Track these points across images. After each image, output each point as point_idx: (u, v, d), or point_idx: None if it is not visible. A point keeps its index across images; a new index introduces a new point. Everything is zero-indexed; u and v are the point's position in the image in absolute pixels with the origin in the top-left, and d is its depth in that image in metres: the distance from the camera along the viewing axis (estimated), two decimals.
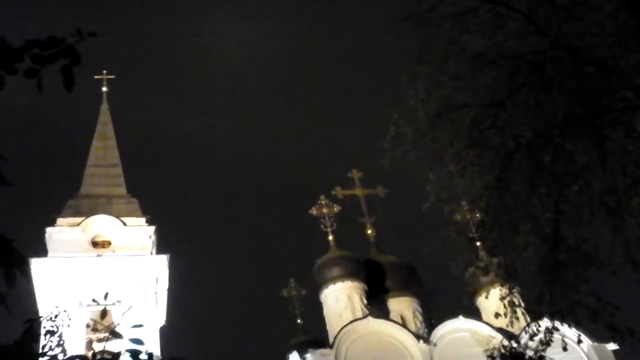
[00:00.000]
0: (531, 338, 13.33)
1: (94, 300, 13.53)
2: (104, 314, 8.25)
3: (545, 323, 12.60)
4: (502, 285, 12.97)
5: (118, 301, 27.74)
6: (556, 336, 12.51)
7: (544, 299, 11.28)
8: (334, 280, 35.47)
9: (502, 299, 12.96)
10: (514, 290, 12.82)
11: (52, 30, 5.20)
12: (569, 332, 13.45)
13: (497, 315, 13.40)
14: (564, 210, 10.98)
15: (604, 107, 10.56)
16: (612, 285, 11.06)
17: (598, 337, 30.05)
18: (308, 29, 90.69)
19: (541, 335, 12.72)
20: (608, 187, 10.60)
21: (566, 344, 12.18)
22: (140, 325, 7.31)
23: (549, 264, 11.13)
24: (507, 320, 12.86)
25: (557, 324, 12.16)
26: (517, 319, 12.94)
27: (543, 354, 13.66)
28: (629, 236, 10.56)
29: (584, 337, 29.90)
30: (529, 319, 16.80)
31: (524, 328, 23.53)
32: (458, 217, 12.47)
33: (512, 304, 12.70)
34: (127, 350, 6.27)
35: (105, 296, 10.69)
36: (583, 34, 10.67)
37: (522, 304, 13.47)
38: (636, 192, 10.47)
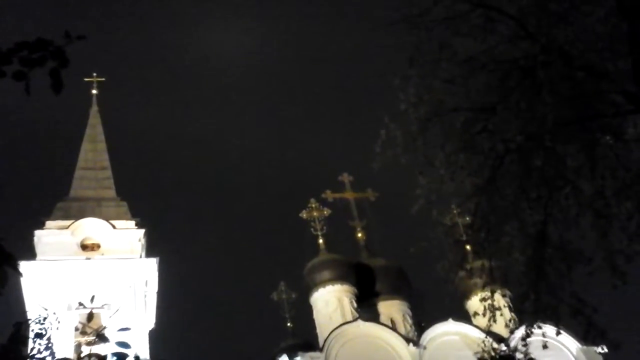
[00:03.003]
0: (523, 340, 13.38)
1: (80, 304, 13.46)
2: (90, 316, 8.21)
3: (529, 321, 12.67)
4: (484, 287, 13.05)
5: (105, 304, 27.64)
6: (542, 338, 12.58)
7: (528, 296, 11.36)
8: (324, 283, 35.46)
9: (483, 300, 13.04)
10: (498, 293, 12.89)
11: (41, 33, 5.16)
12: (553, 332, 13.51)
13: (475, 314, 13.50)
14: (552, 213, 11.04)
15: (595, 112, 10.61)
16: (593, 287, 11.20)
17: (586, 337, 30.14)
18: (299, 32, 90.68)
19: (523, 331, 12.79)
20: (597, 191, 10.65)
21: (546, 341, 12.26)
22: (128, 329, 7.27)
23: (534, 263, 11.20)
24: (487, 321, 12.93)
25: (545, 325, 12.25)
26: (495, 321, 13.01)
27: (532, 357, 13.72)
28: (613, 240, 10.63)
29: (573, 340, 30.07)
30: (517, 321, 16.90)
31: (513, 331, 23.63)
32: (447, 219, 12.51)
33: (492, 306, 12.77)
34: (114, 354, 6.24)
35: (92, 299, 10.63)
36: (574, 39, 10.73)
37: (511, 306, 13.53)
38: (625, 197, 10.53)
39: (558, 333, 14.16)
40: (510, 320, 17.24)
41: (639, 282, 11.21)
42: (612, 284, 10.58)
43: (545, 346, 12.66)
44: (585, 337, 11.54)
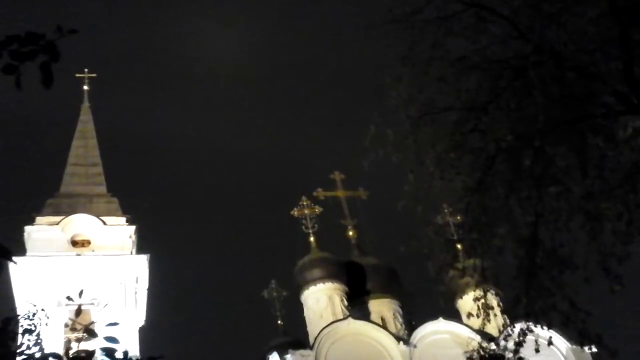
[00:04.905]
0: (507, 339, 13.41)
1: (68, 298, 13.39)
2: (78, 312, 8.17)
3: (521, 324, 12.69)
4: (476, 287, 13.07)
5: (94, 299, 27.57)
6: (533, 338, 12.59)
7: (520, 300, 11.36)
8: (314, 281, 35.48)
9: (476, 300, 13.05)
10: (490, 292, 12.90)
11: (33, 27, 5.14)
12: (545, 334, 13.52)
13: (469, 315, 13.50)
14: (543, 214, 11.05)
15: (585, 113, 10.63)
16: (585, 291, 11.15)
17: (577, 340, 30.18)
18: (291, 31, 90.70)
19: (516, 336, 12.80)
20: (587, 191, 10.66)
21: (538, 345, 12.26)
22: (116, 324, 7.26)
23: (526, 266, 11.20)
24: (481, 321, 12.94)
25: (536, 326, 12.24)
26: (489, 321, 13.02)
27: (521, 356, 13.74)
28: (605, 241, 10.62)
29: (563, 340, 30.17)
30: (508, 321, 16.92)
31: (503, 330, 23.71)
32: (439, 218, 12.52)
33: (485, 306, 12.78)
34: (102, 349, 6.23)
35: (80, 294, 10.56)
36: (566, 39, 10.75)
37: (501, 306, 13.54)
38: (613, 197, 10.54)
39: (550, 343, 14.19)
40: (503, 325, 17.29)
41: (633, 284, 11.20)
42: (610, 288, 10.53)
43: (537, 350, 12.68)
44: (581, 343, 11.51)
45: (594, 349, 29.46)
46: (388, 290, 36.76)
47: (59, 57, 5.01)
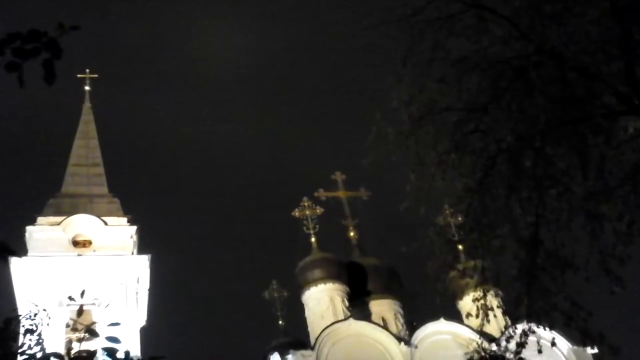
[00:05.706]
0: (509, 340, 13.40)
1: (70, 298, 13.43)
2: (80, 312, 8.18)
3: (523, 325, 12.68)
4: (476, 287, 13.06)
5: (95, 299, 27.58)
6: (535, 338, 12.58)
7: (521, 301, 11.35)
8: (315, 282, 35.49)
9: (475, 300, 13.04)
10: (490, 293, 12.90)
11: (35, 25, 5.15)
12: (547, 335, 13.51)
13: (468, 315, 13.48)
14: (544, 214, 11.04)
15: (586, 113, 10.62)
16: (587, 291, 11.15)
17: (578, 340, 30.18)
18: (293, 32, 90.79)
19: (517, 338, 12.80)
20: (587, 192, 10.66)
21: (541, 346, 12.25)
22: (117, 324, 7.27)
23: (527, 267, 11.19)
24: (479, 322, 12.94)
25: (537, 326, 12.23)
26: (489, 321, 13.01)
27: (522, 357, 13.73)
28: (606, 242, 10.62)
29: (564, 340, 30.16)
30: (510, 322, 16.93)
31: (504, 331, 23.70)
32: (440, 219, 12.53)
33: (485, 306, 12.77)
34: (104, 349, 6.23)
35: (82, 294, 10.57)
36: (567, 40, 10.75)
37: (502, 306, 13.52)
38: (614, 198, 10.54)
39: (553, 344, 14.15)
40: (505, 327, 17.27)
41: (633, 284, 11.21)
42: (610, 289, 10.54)
43: (540, 351, 12.68)
44: (583, 342, 11.52)
45: (596, 350, 29.60)
46: (389, 290, 36.75)
47: (62, 54, 5.03)
